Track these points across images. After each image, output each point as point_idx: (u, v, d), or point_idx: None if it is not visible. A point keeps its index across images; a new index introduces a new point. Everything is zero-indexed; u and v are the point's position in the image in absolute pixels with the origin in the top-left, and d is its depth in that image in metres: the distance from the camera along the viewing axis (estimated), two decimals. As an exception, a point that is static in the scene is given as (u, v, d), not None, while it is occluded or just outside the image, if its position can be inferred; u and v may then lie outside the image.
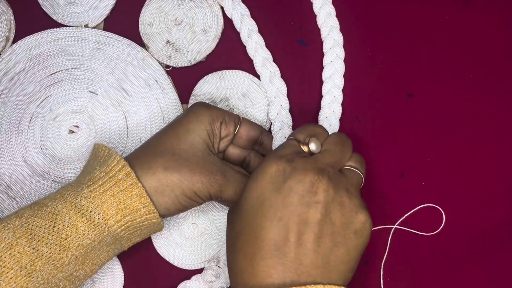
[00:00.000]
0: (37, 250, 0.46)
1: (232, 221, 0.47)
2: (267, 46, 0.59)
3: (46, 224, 0.46)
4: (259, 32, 0.59)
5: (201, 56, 0.59)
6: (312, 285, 0.43)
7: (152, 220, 0.49)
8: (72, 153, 0.57)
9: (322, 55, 0.59)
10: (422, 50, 0.60)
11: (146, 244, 0.56)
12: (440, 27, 0.60)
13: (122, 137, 0.58)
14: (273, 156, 0.47)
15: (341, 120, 0.58)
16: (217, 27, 0.59)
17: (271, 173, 0.46)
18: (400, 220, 0.57)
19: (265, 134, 0.56)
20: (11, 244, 0.45)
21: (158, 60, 0.59)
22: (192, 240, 0.57)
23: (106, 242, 0.48)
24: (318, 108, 0.59)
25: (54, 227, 0.46)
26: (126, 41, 0.59)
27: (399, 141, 0.58)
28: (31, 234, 0.46)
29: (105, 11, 0.59)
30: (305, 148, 0.49)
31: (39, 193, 0.57)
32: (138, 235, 0.50)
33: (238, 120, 0.54)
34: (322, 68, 0.59)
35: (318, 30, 0.60)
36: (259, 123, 0.58)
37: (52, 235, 0.46)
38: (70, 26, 0.59)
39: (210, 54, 0.59)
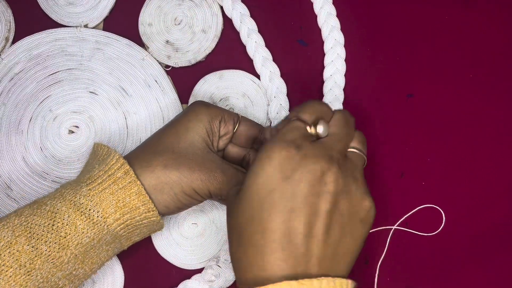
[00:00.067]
0: (36, 248, 0.46)
1: (236, 211, 0.45)
2: (267, 46, 0.59)
3: (45, 223, 0.47)
4: (259, 31, 0.59)
5: (200, 56, 0.59)
6: (322, 277, 0.43)
7: (152, 219, 0.49)
8: (72, 153, 0.58)
9: (322, 55, 0.60)
10: (422, 50, 0.60)
11: (146, 244, 0.56)
12: (440, 27, 0.60)
13: (122, 137, 0.58)
14: (279, 141, 0.45)
15: None
16: (217, 27, 0.60)
17: (279, 160, 0.44)
18: (400, 221, 0.57)
19: (264, 132, 0.56)
20: (10, 243, 0.46)
21: (157, 60, 0.59)
22: (192, 240, 0.57)
23: (105, 240, 0.48)
24: None
25: (53, 225, 0.47)
26: (125, 41, 0.59)
27: (399, 141, 0.59)
28: (30, 232, 0.46)
29: (105, 11, 0.59)
30: (312, 131, 0.47)
31: (39, 193, 0.57)
32: (138, 234, 0.50)
33: (237, 118, 0.54)
34: (322, 67, 0.60)
35: (318, 30, 0.60)
36: (259, 123, 0.58)
37: (51, 234, 0.46)
38: (70, 26, 0.59)
39: (209, 54, 0.60)
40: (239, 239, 0.45)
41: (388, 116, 0.59)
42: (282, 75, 0.59)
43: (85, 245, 0.47)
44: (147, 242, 0.56)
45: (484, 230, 0.57)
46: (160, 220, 0.50)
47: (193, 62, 0.59)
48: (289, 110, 0.58)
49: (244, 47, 0.59)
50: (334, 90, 0.58)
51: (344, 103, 0.59)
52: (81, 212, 0.47)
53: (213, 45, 0.59)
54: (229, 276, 0.55)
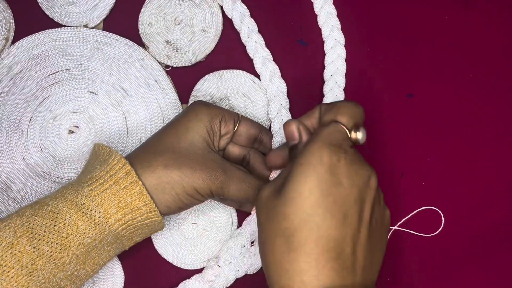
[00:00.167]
0: (38, 249, 0.46)
1: (283, 214, 0.43)
2: (267, 45, 0.59)
3: (47, 223, 0.47)
4: (259, 31, 0.59)
5: (200, 55, 0.60)
6: None
7: (153, 219, 0.50)
8: (72, 153, 0.58)
9: (323, 54, 0.60)
10: (422, 50, 0.60)
11: (146, 244, 0.56)
12: (440, 27, 0.61)
13: (122, 137, 0.58)
14: (326, 144, 0.43)
15: None
16: (217, 26, 0.60)
17: (330, 164, 0.43)
18: (400, 222, 0.57)
19: (264, 132, 0.56)
20: (12, 243, 0.46)
21: (157, 60, 0.59)
22: (192, 239, 0.57)
23: (107, 241, 0.48)
24: None
25: (55, 226, 0.47)
26: (125, 41, 0.59)
27: (399, 141, 0.59)
28: (32, 233, 0.46)
29: (105, 11, 0.60)
30: (353, 136, 0.46)
31: (39, 193, 0.57)
32: (139, 234, 0.51)
33: (238, 118, 0.55)
34: (322, 67, 0.60)
35: (318, 30, 0.61)
36: (259, 123, 0.58)
37: (53, 234, 0.47)
38: (70, 26, 0.59)
39: (209, 53, 0.60)
40: (289, 245, 0.43)
41: (388, 116, 0.59)
42: (282, 75, 0.59)
43: (87, 246, 0.48)
44: (147, 242, 0.56)
45: (484, 230, 0.58)
46: (162, 220, 0.50)
47: (193, 62, 0.60)
48: (289, 110, 0.59)
49: (244, 47, 0.60)
50: (334, 90, 0.59)
51: None
52: (83, 212, 0.47)
53: (213, 45, 0.60)
54: (229, 276, 0.56)
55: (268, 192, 0.45)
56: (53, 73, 0.59)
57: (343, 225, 0.42)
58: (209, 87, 0.59)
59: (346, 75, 0.60)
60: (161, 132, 0.53)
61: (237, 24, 0.60)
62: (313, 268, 0.42)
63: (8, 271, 0.45)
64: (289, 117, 0.58)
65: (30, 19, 0.60)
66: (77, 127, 0.58)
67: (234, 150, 0.56)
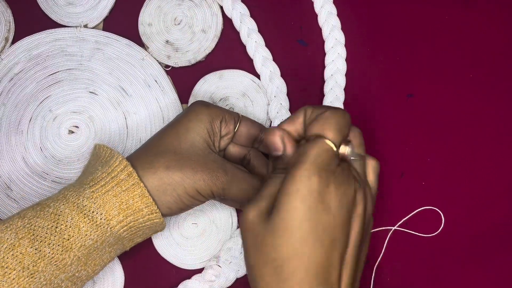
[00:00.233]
0: (40, 250, 0.46)
1: (273, 243, 0.42)
2: (267, 45, 0.60)
3: (48, 225, 0.47)
4: (259, 31, 0.60)
5: (200, 55, 0.60)
6: None
7: (155, 220, 0.50)
8: (72, 153, 0.58)
9: (323, 54, 0.60)
10: (422, 50, 0.60)
11: (147, 244, 0.56)
12: (440, 27, 0.61)
13: (122, 137, 0.59)
14: (315, 169, 0.42)
15: None
16: (217, 26, 0.60)
17: (319, 191, 0.42)
18: (400, 223, 0.57)
19: (264, 131, 0.56)
20: (14, 245, 0.46)
21: (157, 60, 0.60)
22: (193, 239, 0.57)
23: (108, 242, 0.49)
24: None
25: (56, 227, 0.47)
26: (125, 41, 0.59)
27: (399, 141, 0.59)
28: (33, 234, 0.47)
29: (104, 11, 0.60)
30: (341, 151, 0.45)
31: (39, 193, 0.57)
32: (140, 235, 0.51)
33: (238, 118, 0.55)
34: (322, 67, 0.60)
35: (319, 29, 0.61)
36: (259, 123, 0.58)
37: (55, 236, 0.47)
38: (70, 27, 0.59)
39: (209, 53, 0.60)
40: (278, 275, 0.42)
41: (388, 116, 0.60)
42: (282, 75, 0.59)
43: (88, 247, 0.48)
44: (148, 242, 0.56)
45: (484, 230, 0.58)
46: (163, 221, 0.51)
47: (193, 62, 0.60)
48: (290, 110, 0.59)
49: (244, 47, 0.60)
50: (335, 90, 0.59)
51: (344, 103, 0.59)
52: (84, 214, 0.48)
53: (213, 45, 0.60)
54: (230, 276, 0.56)
55: (253, 216, 0.44)
56: (53, 73, 0.59)
57: (332, 250, 0.42)
58: (209, 87, 0.60)
59: (346, 74, 0.60)
60: (162, 132, 0.53)
61: (237, 24, 0.60)
62: None
63: (10, 273, 0.45)
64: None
65: (30, 19, 0.60)
66: (77, 127, 0.59)
67: (235, 150, 0.56)
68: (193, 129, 0.52)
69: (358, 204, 0.44)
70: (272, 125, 0.58)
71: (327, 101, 0.59)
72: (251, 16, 0.60)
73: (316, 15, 0.61)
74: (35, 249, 0.46)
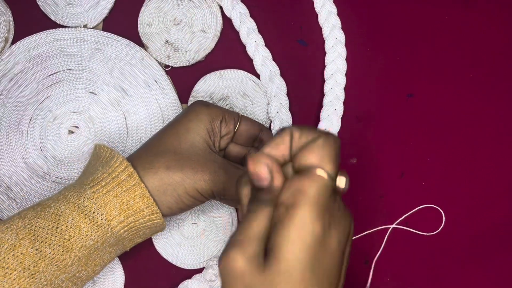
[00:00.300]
0: (40, 251, 0.46)
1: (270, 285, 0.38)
2: (267, 45, 0.60)
3: (49, 225, 0.47)
4: (259, 31, 0.60)
5: (200, 55, 0.60)
6: None
7: (155, 221, 0.50)
8: (72, 153, 0.58)
9: (323, 54, 0.60)
10: (422, 50, 0.60)
11: (147, 244, 0.57)
12: (440, 27, 0.61)
13: (121, 137, 0.59)
14: (318, 211, 0.38)
15: (341, 119, 0.59)
16: (216, 26, 0.60)
17: (321, 234, 0.38)
18: (399, 220, 0.58)
19: (264, 131, 0.57)
20: (14, 245, 0.46)
21: (157, 60, 0.60)
22: (193, 239, 0.58)
23: (109, 243, 0.49)
24: (319, 107, 0.59)
25: (57, 228, 0.47)
26: (125, 41, 0.60)
27: (399, 141, 0.59)
28: (34, 235, 0.47)
29: (104, 12, 0.60)
30: (339, 183, 0.41)
31: (39, 193, 0.58)
32: (141, 236, 0.51)
33: (238, 118, 0.55)
34: (322, 67, 0.60)
35: (318, 29, 0.61)
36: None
37: (55, 236, 0.47)
38: (69, 27, 0.60)
39: (209, 53, 0.60)
40: None
41: (388, 116, 0.60)
42: (282, 75, 0.60)
43: (89, 248, 0.48)
44: (148, 242, 0.56)
45: (484, 230, 0.58)
46: (164, 222, 0.51)
47: (192, 62, 0.60)
48: (289, 109, 0.59)
49: (243, 46, 0.60)
50: (335, 90, 0.59)
51: (344, 103, 0.59)
52: (85, 214, 0.48)
53: (212, 45, 0.60)
54: None
55: (243, 264, 0.38)
56: (52, 74, 0.59)
57: None
58: (209, 87, 0.60)
59: (346, 74, 0.60)
60: (162, 132, 0.53)
61: (236, 23, 0.60)
62: None
63: (11, 273, 0.46)
64: (289, 116, 0.59)
65: (30, 19, 0.60)
66: (77, 127, 0.59)
67: (234, 149, 0.56)
68: (193, 129, 0.52)
69: (350, 235, 0.41)
70: (272, 124, 0.58)
71: (327, 101, 0.59)
72: (251, 16, 0.60)
73: (316, 15, 0.61)
74: (36, 250, 0.46)
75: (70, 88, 0.59)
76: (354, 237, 0.57)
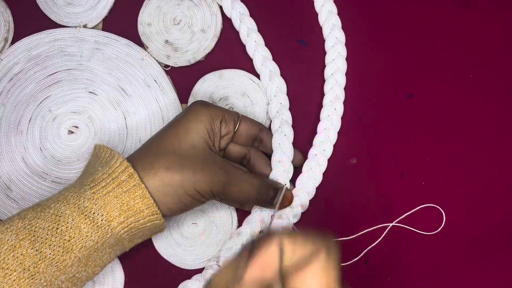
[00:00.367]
0: (40, 252, 0.47)
1: None
2: (267, 45, 0.60)
3: (49, 226, 0.47)
4: (259, 31, 0.60)
5: (200, 55, 0.60)
6: None
7: (155, 221, 0.50)
8: (72, 153, 0.58)
9: (323, 53, 0.61)
10: (422, 50, 0.61)
11: (147, 244, 0.57)
12: (440, 27, 0.61)
13: (121, 137, 0.59)
14: None
15: (341, 118, 0.59)
16: (216, 26, 0.60)
17: None
18: (399, 219, 0.58)
19: (264, 131, 0.57)
20: (14, 246, 0.46)
21: (157, 60, 0.60)
22: (192, 239, 0.58)
23: (108, 243, 0.49)
24: (318, 106, 0.60)
25: (57, 229, 0.47)
26: (125, 41, 0.60)
27: (399, 141, 0.59)
28: (34, 236, 0.47)
29: (104, 12, 0.60)
30: None
31: (39, 194, 0.58)
32: (140, 236, 0.51)
33: (238, 117, 0.55)
34: (322, 66, 0.60)
35: (319, 29, 0.61)
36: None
37: (55, 237, 0.47)
38: (69, 27, 0.60)
39: (209, 53, 0.60)
40: None
41: (388, 116, 0.60)
42: (282, 74, 0.60)
43: (89, 249, 0.48)
44: (148, 242, 0.56)
45: (484, 230, 0.58)
46: (164, 222, 0.51)
47: (192, 61, 0.60)
48: (289, 109, 0.59)
49: (243, 46, 0.60)
50: (335, 89, 0.59)
51: (344, 102, 0.59)
52: (85, 215, 0.48)
53: (212, 45, 0.60)
54: None
55: None
56: (52, 74, 0.59)
57: None
58: (209, 86, 0.60)
59: (346, 74, 0.60)
60: (161, 133, 0.53)
61: (236, 23, 0.60)
62: None
63: (10, 274, 0.46)
64: (289, 115, 0.59)
65: (29, 19, 0.60)
66: (76, 127, 0.59)
67: (234, 149, 0.56)
68: (193, 130, 0.52)
69: None
70: (272, 124, 0.59)
71: (327, 100, 0.59)
72: (251, 15, 0.60)
73: (317, 14, 0.61)
74: (36, 250, 0.47)
75: (70, 88, 0.59)
76: (354, 236, 0.57)
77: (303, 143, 0.59)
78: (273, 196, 0.55)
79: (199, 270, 0.58)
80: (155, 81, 0.60)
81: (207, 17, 0.61)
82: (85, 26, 0.60)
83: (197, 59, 0.60)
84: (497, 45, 0.61)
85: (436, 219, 0.58)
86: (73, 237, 0.48)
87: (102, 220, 0.48)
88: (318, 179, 0.58)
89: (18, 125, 0.59)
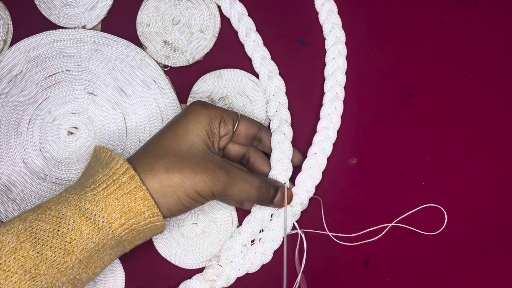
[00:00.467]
0: (42, 254, 0.47)
1: None
2: (266, 44, 0.60)
3: (50, 228, 0.47)
4: (258, 31, 0.60)
5: (199, 55, 0.60)
6: None
7: (156, 223, 0.51)
8: (72, 154, 0.59)
9: (322, 53, 0.61)
10: (422, 50, 0.61)
11: (147, 244, 0.57)
12: (440, 27, 0.61)
13: (121, 138, 0.59)
14: None
15: (341, 118, 0.60)
16: (215, 26, 0.61)
17: None
18: (398, 219, 0.58)
19: (263, 130, 0.57)
20: (15, 248, 0.46)
21: (156, 60, 0.60)
22: (193, 239, 0.58)
23: (109, 245, 0.49)
24: (318, 105, 0.60)
25: (58, 230, 0.47)
26: (123, 41, 0.60)
27: (399, 141, 0.60)
28: (35, 238, 0.47)
29: (102, 12, 0.61)
30: None
31: (39, 195, 0.58)
32: (141, 238, 0.52)
33: (237, 117, 0.55)
34: (322, 66, 0.61)
35: (318, 28, 0.61)
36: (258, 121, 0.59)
37: (57, 239, 0.47)
38: (68, 28, 0.60)
39: (208, 53, 0.61)
40: None
41: (388, 116, 0.60)
42: (281, 73, 0.60)
43: (90, 250, 0.48)
44: (148, 242, 0.57)
45: (484, 230, 0.58)
46: (164, 224, 0.51)
47: (191, 61, 0.60)
48: (289, 108, 0.60)
49: (242, 46, 0.60)
50: (335, 88, 0.59)
51: (344, 102, 0.60)
52: (86, 217, 0.48)
53: (211, 45, 0.61)
54: (230, 275, 0.57)
55: None
56: (51, 75, 0.60)
57: None
58: (208, 86, 0.60)
59: (346, 73, 0.60)
60: (161, 134, 0.53)
61: (235, 23, 0.60)
62: None
63: (12, 276, 0.46)
64: (288, 114, 0.59)
65: (28, 21, 0.60)
66: (76, 128, 0.59)
67: (234, 149, 0.57)
68: (192, 131, 0.52)
69: None
70: (271, 123, 0.59)
71: (327, 99, 0.59)
72: (250, 16, 0.61)
73: (316, 13, 0.61)
74: (37, 252, 0.47)
75: (69, 89, 0.60)
76: (353, 234, 0.58)
77: (302, 142, 0.60)
78: (273, 194, 0.55)
79: (200, 270, 0.58)
80: (154, 81, 0.60)
81: (206, 17, 0.61)
82: (84, 27, 0.60)
83: (196, 59, 0.61)
84: (497, 45, 0.61)
85: (436, 219, 0.58)
86: (74, 239, 0.48)
87: (103, 222, 0.49)
88: (317, 177, 0.59)
89: (18, 127, 0.59)
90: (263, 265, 0.58)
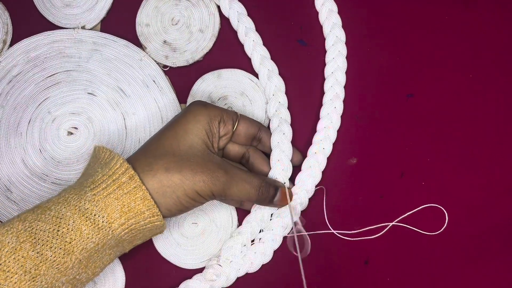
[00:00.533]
0: (41, 254, 0.47)
1: None
2: (265, 44, 0.60)
3: (50, 228, 0.48)
4: (257, 30, 0.61)
5: (198, 55, 0.61)
6: None
7: (156, 223, 0.51)
8: (71, 154, 0.59)
9: (322, 52, 0.61)
10: (422, 50, 0.61)
11: (147, 244, 0.57)
12: (440, 27, 0.61)
13: (121, 138, 0.60)
14: None
15: (341, 117, 0.60)
16: (214, 26, 0.61)
17: None
18: (399, 218, 0.58)
19: (263, 130, 0.58)
20: (15, 249, 0.47)
21: (155, 60, 0.60)
22: (193, 239, 0.59)
23: (109, 245, 0.49)
24: (318, 105, 0.60)
25: (58, 231, 0.48)
26: (123, 42, 0.60)
27: (399, 141, 0.60)
28: (35, 238, 0.47)
29: (102, 13, 0.61)
30: None
31: (39, 195, 0.59)
32: (140, 238, 0.52)
33: (236, 117, 0.56)
34: (322, 65, 0.61)
35: (318, 28, 0.62)
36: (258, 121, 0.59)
37: (56, 239, 0.48)
38: (67, 28, 0.60)
39: (207, 53, 0.61)
40: None
41: (388, 116, 0.60)
42: (281, 73, 0.60)
43: (90, 250, 0.49)
44: (148, 242, 0.57)
45: (484, 230, 0.58)
46: (164, 224, 0.51)
47: (190, 61, 0.61)
48: (289, 108, 0.60)
49: (241, 46, 0.61)
50: (335, 88, 0.60)
51: (344, 101, 0.60)
52: (86, 217, 0.48)
53: (210, 45, 0.61)
54: (230, 275, 0.57)
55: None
56: (51, 75, 0.60)
57: None
58: (207, 86, 0.60)
59: (346, 72, 0.61)
60: (160, 134, 0.54)
61: (234, 23, 0.61)
62: None
63: (12, 277, 0.46)
64: (288, 114, 0.59)
65: (28, 21, 0.61)
66: (76, 128, 0.60)
67: (233, 149, 0.57)
68: (192, 131, 0.53)
69: None
70: (270, 123, 0.59)
71: (327, 99, 0.60)
72: (250, 16, 0.61)
73: (316, 13, 0.62)
74: (37, 253, 0.47)
75: (69, 89, 0.60)
76: (354, 232, 0.58)
77: (302, 142, 0.60)
78: (273, 194, 0.56)
79: (200, 270, 0.58)
80: (154, 81, 0.60)
81: (205, 17, 0.61)
82: (83, 28, 0.61)
83: (196, 59, 0.61)
84: (497, 45, 0.61)
85: (436, 219, 0.58)
86: (74, 239, 0.48)
87: (103, 221, 0.49)
88: (317, 177, 0.59)
89: (18, 127, 0.59)
90: (263, 265, 0.58)
